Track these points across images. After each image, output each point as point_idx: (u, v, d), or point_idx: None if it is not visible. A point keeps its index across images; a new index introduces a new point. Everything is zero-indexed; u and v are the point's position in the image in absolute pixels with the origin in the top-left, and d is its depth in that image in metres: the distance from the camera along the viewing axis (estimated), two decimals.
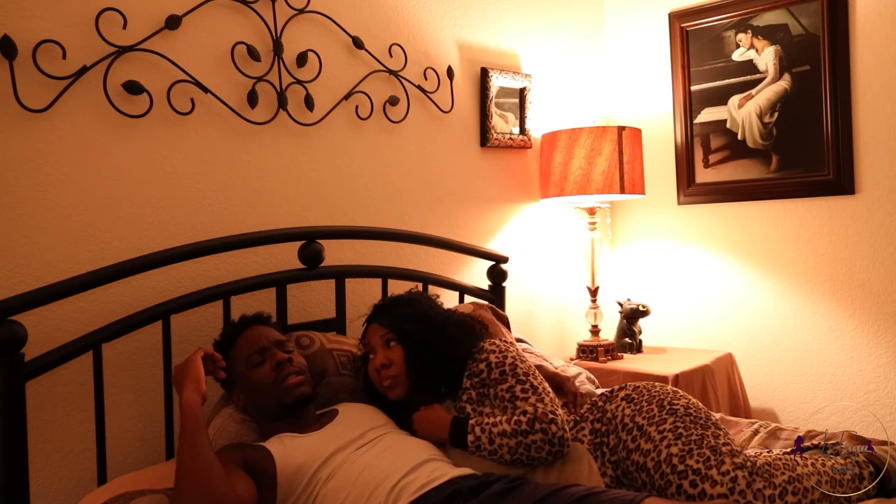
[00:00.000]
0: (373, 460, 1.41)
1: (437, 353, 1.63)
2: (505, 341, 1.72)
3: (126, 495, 1.37)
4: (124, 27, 1.71)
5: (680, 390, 1.60)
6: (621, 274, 3.17)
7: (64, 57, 1.61)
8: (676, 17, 2.96)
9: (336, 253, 2.09)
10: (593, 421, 1.60)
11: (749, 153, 2.80)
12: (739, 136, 2.82)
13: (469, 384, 1.63)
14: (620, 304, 2.81)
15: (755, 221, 2.80)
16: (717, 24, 2.85)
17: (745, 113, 2.80)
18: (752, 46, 2.77)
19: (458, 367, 1.65)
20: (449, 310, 1.82)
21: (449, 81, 2.49)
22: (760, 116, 2.76)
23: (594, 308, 2.75)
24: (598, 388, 2.19)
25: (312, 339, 1.83)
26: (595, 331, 2.74)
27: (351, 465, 1.41)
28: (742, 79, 2.80)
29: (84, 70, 1.64)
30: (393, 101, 2.30)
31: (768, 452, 1.60)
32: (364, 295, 2.19)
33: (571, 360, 2.68)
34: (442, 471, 1.40)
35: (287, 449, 1.43)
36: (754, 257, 2.80)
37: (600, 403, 1.63)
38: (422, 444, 1.52)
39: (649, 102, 3.07)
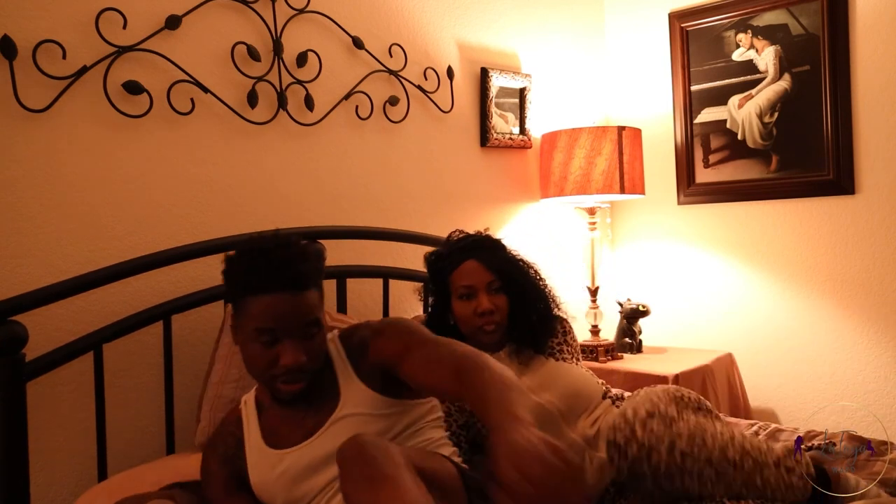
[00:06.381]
0: None
1: (537, 310, 1.67)
2: None
3: (133, 499, 1.35)
4: (124, 27, 1.71)
5: (701, 396, 1.62)
6: (621, 274, 3.17)
7: (64, 57, 1.61)
8: (676, 17, 2.96)
9: (337, 253, 2.09)
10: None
11: (749, 153, 2.80)
12: (739, 136, 2.82)
13: (562, 339, 1.72)
14: (620, 304, 2.81)
15: (755, 221, 2.80)
16: (717, 24, 2.85)
17: (745, 113, 2.80)
18: (752, 46, 2.77)
19: (546, 327, 1.70)
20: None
21: (449, 81, 2.49)
22: (760, 116, 2.76)
23: (594, 308, 2.75)
24: None
25: None
26: (595, 331, 2.74)
27: None
28: (742, 79, 2.80)
29: (84, 70, 1.64)
30: (393, 101, 2.30)
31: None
32: (364, 295, 2.19)
33: None
34: None
35: (258, 479, 1.28)
36: (754, 257, 2.80)
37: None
38: None
39: (649, 102, 3.07)
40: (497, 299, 1.63)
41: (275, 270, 1.16)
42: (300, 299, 1.18)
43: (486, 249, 1.66)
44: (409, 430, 1.27)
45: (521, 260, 1.74)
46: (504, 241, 1.75)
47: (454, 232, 1.77)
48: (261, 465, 1.27)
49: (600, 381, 1.75)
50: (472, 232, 1.76)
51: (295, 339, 1.18)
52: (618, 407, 1.65)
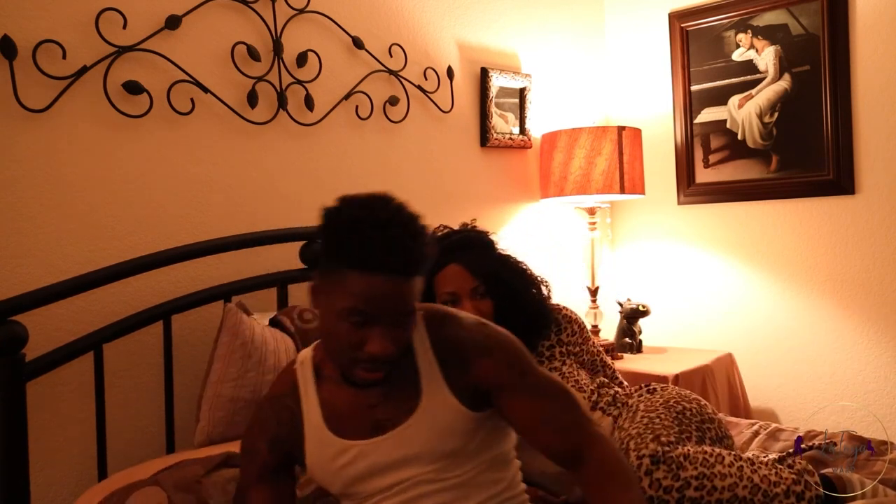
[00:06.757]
0: None
1: (524, 312, 1.60)
2: None
3: (119, 492, 1.36)
4: (124, 27, 1.71)
5: (701, 399, 1.62)
6: (621, 274, 3.17)
7: (64, 57, 1.61)
8: (676, 17, 2.96)
9: None
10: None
11: (749, 153, 2.80)
12: (739, 136, 2.82)
13: (555, 340, 1.66)
14: (620, 304, 2.81)
15: (755, 221, 2.80)
16: (717, 24, 2.85)
17: (745, 113, 2.80)
18: (752, 46, 2.77)
19: (536, 329, 1.64)
20: (521, 262, 1.73)
21: (449, 81, 2.49)
22: (760, 116, 2.76)
23: (594, 308, 2.75)
24: None
25: (315, 315, 1.83)
26: (595, 331, 2.74)
27: None
28: (742, 79, 2.80)
29: (84, 70, 1.64)
30: (393, 101, 2.30)
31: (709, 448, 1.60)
32: None
33: None
34: None
35: (315, 465, 1.17)
36: (754, 257, 2.80)
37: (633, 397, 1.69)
38: None
39: (649, 102, 3.07)
40: (482, 304, 1.57)
41: (388, 251, 0.99)
42: (406, 286, 1.03)
43: (471, 250, 1.61)
44: (484, 441, 1.15)
45: (509, 258, 1.68)
46: (491, 236, 1.69)
47: (439, 227, 1.72)
48: (320, 451, 1.15)
49: (604, 379, 1.73)
50: (457, 226, 1.69)
51: (387, 326, 1.03)
52: (610, 415, 1.63)
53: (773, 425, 1.94)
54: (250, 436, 1.21)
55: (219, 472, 1.40)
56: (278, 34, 2.01)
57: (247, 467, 1.20)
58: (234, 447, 1.50)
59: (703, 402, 1.61)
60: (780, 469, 1.39)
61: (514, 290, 1.61)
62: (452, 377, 1.12)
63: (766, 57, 2.74)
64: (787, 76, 2.69)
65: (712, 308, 2.91)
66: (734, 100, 2.83)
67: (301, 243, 1.95)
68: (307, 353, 1.22)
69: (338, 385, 1.15)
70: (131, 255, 1.69)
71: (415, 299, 1.06)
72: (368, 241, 0.99)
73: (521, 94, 2.74)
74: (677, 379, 2.37)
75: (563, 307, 1.77)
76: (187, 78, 1.82)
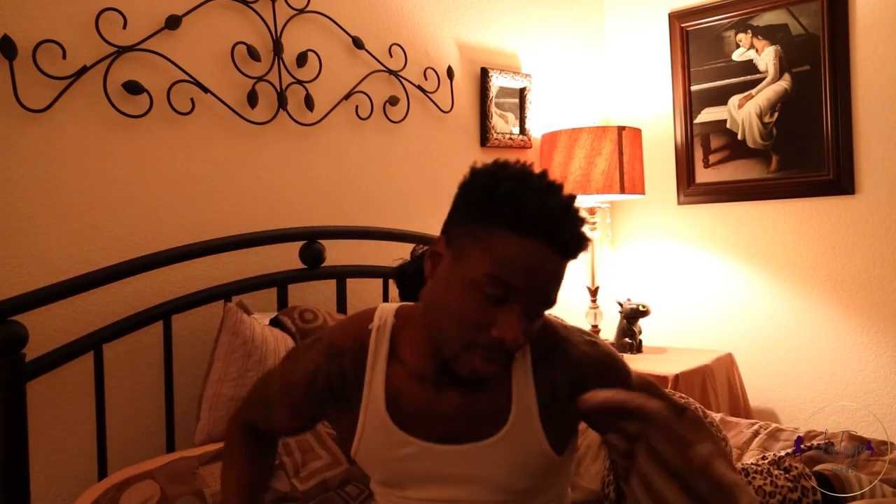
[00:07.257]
0: None
1: None
2: None
3: (112, 489, 1.37)
4: (124, 27, 1.71)
5: (692, 402, 1.61)
6: (621, 274, 3.17)
7: (64, 57, 1.61)
8: (676, 17, 2.96)
9: (337, 253, 2.10)
10: None
11: (749, 153, 2.80)
12: (739, 136, 2.82)
13: None
14: (620, 304, 2.81)
15: (755, 221, 2.80)
16: (717, 24, 2.85)
17: (745, 113, 2.80)
18: (752, 46, 2.77)
19: None
20: None
21: (449, 81, 2.49)
22: (760, 116, 2.76)
23: (594, 308, 2.75)
24: None
25: (316, 315, 1.83)
26: (595, 331, 2.74)
27: None
28: (742, 79, 2.80)
29: (84, 70, 1.64)
30: (393, 101, 2.30)
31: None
32: (365, 295, 2.19)
33: None
34: None
35: (364, 447, 1.00)
36: (754, 257, 2.80)
37: None
38: None
39: (649, 102, 3.07)
40: None
41: (558, 219, 0.84)
42: (560, 269, 0.88)
43: None
44: (549, 482, 1.02)
45: None
46: None
47: (417, 246, 1.74)
48: (377, 435, 0.97)
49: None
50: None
51: (523, 311, 0.87)
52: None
53: (773, 425, 1.94)
54: (290, 371, 1.02)
55: (215, 463, 1.41)
56: (278, 34, 2.01)
57: (279, 391, 1.03)
58: None
59: (690, 408, 1.61)
60: (777, 476, 1.38)
61: None
62: (550, 410, 0.97)
63: (766, 57, 2.74)
64: (787, 76, 2.69)
65: (712, 308, 2.91)
66: (734, 100, 2.83)
67: (301, 243, 1.95)
68: (388, 313, 1.01)
69: (409, 377, 0.96)
70: (131, 255, 1.69)
71: (558, 292, 0.90)
72: (538, 202, 0.83)
73: (521, 94, 2.74)
74: (677, 379, 2.36)
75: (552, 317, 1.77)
76: (187, 78, 1.82)
